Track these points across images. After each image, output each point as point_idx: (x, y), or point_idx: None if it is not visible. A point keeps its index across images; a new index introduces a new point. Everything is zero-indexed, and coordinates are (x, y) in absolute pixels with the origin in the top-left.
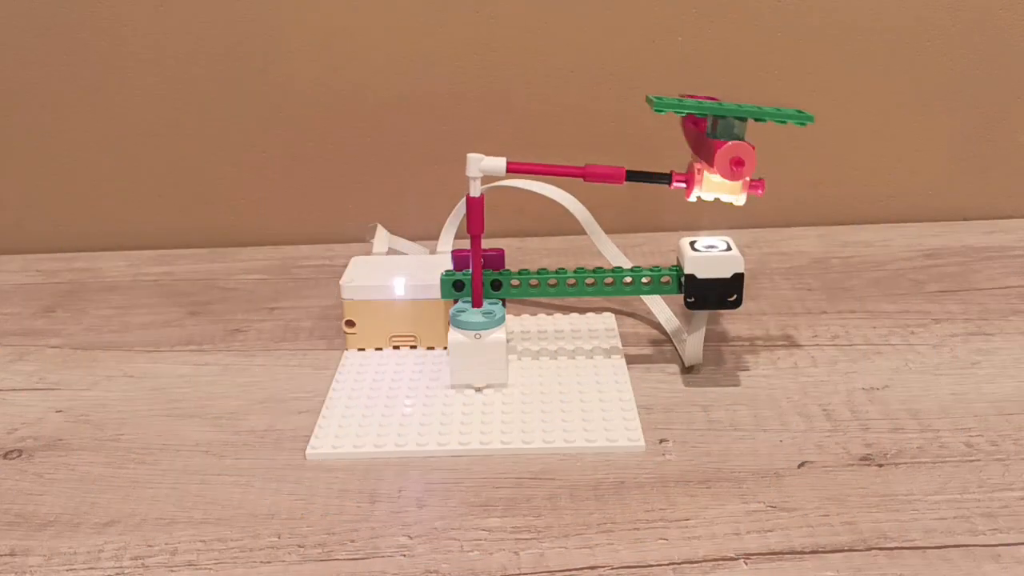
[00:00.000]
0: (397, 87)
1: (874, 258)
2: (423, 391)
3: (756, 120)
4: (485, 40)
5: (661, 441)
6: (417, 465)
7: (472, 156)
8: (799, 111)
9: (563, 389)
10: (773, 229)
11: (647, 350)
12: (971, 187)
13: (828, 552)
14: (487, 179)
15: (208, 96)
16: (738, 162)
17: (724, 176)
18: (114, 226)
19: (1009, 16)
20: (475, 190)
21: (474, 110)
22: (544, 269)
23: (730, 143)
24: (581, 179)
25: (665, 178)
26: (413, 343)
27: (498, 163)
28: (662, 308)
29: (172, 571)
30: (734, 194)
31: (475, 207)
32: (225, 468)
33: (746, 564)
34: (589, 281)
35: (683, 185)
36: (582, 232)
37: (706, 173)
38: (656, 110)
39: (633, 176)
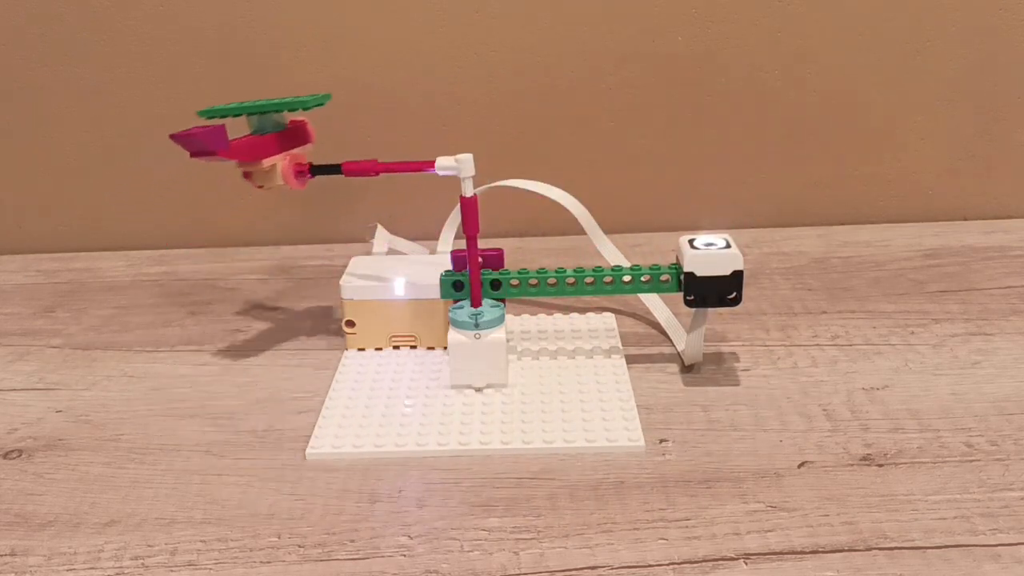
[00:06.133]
0: (397, 87)
1: (874, 258)
2: (423, 391)
3: (290, 110)
4: (485, 40)
5: (661, 441)
6: (417, 465)
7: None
8: (315, 95)
9: (563, 389)
10: (773, 229)
11: (647, 350)
12: (971, 187)
13: (828, 552)
14: (487, 179)
15: (208, 96)
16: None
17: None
18: (114, 226)
19: (1009, 16)
20: (467, 190)
21: (474, 110)
22: (544, 269)
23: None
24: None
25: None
26: (413, 343)
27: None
28: (662, 308)
29: (172, 571)
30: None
31: (469, 207)
32: (225, 468)
33: (746, 564)
34: (589, 280)
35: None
36: (582, 232)
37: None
38: (201, 115)
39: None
